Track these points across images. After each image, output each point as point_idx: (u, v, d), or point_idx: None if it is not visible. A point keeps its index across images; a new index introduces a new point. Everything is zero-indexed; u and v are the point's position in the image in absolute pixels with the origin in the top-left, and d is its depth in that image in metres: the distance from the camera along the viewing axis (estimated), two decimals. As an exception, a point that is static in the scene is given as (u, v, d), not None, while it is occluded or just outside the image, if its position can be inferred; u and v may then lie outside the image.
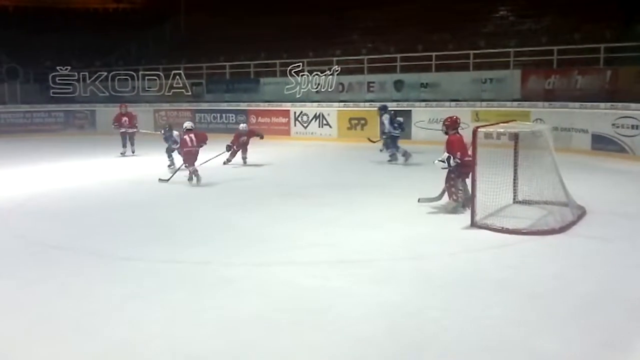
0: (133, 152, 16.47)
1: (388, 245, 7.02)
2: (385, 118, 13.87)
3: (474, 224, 7.64)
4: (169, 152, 13.54)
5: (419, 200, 8.81)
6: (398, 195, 9.82)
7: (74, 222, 8.49)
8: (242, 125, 15.03)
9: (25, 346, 4.42)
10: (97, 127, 23.23)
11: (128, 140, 16.58)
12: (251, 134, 14.61)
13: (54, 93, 22.93)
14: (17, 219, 8.75)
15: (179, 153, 12.41)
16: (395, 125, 13.79)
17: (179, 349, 4.33)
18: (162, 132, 13.89)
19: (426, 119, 17.58)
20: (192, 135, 11.73)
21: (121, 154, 16.27)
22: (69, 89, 23.06)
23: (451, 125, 8.72)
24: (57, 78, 22.88)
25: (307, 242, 7.12)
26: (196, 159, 11.62)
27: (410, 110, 17.92)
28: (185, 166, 11.69)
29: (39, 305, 5.24)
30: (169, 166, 13.24)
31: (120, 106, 16.98)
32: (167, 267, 6.28)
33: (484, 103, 16.98)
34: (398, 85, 18.83)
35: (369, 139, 15.51)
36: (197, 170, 11.47)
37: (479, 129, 7.86)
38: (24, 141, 20.11)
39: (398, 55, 19.10)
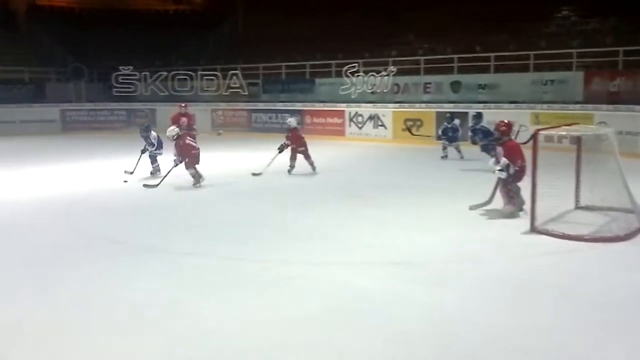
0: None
1: (444, 247, 6.94)
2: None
3: (533, 229, 7.46)
4: (153, 157, 12.69)
5: (470, 208, 8.66)
6: (453, 198, 9.69)
7: (133, 218, 8.72)
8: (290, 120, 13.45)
9: (87, 338, 4.55)
10: (157, 125, 23.78)
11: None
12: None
13: (116, 92, 23.67)
14: (78, 214, 9.05)
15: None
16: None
17: (235, 345, 4.39)
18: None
19: (483, 121, 17.22)
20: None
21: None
22: (131, 88, 23.75)
23: (508, 130, 8.44)
24: (120, 77, 23.61)
25: (362, 243, 7.10)
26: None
27: (467, 112, 17.64)
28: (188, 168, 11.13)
29: (100, 298, 5.40)
30: (152, 173, 12.51)
31: (180, 106, 17.25)
32: (225, 264, 6.38)
33: (544, 105, 16.56)
34: (455, 86, 18.59)
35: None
36: (197, 171, 11.14)
37: (540, 132, 7.68)
38: (87, 138, 20.84)
39: (455, 56, 18.85)
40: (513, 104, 17.05)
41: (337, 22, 24.40)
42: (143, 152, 12.57)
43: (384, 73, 19.35)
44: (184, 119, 16.36)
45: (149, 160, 12.57)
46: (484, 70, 18.25)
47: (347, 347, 4.36)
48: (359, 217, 8.50)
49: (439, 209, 8.98)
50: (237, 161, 15.17)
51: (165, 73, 23.63)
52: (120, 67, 23.60)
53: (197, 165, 11.23)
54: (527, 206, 7.80)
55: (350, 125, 20.00)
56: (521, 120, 15.98)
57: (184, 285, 5.70)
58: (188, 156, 11.09)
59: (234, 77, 22.48)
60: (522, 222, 7.71)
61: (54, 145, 15.57)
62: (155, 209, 9.33)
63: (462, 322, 4.79)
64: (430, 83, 19.13)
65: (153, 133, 12.64)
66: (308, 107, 21.11)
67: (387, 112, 19.25)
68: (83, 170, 13.58)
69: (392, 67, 19.27)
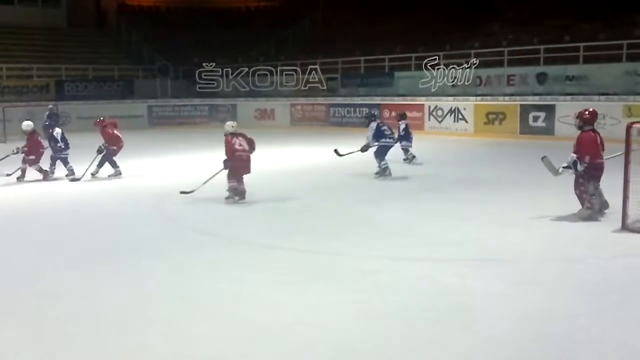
0: None
1: (531, 245, 6.69)
2: (371, 128, 11.67)
3: (625, 227, 7.07)
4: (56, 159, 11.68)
5: (542, 158, 7.98)
6: (538, 194, 9.35)
7: (220, 210, 8.92)
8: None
9: (170, 325, 4.67)
10: (238, 121, 24.23)
11: None
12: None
13: (199, 88, 24.35)
14: (170, 205, 9.38)
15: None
16: (387, 134, 11.66)
17: (318, 337, 4.40)
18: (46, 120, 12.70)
19: (571, 114, 16.48)
20: (240, 139, 9.34)
21: None
22: (214, 84, 24.35)
23: (590, 119, 7.68)
24: (203, 74, 24.26)
25: (445, 239, 6.97)
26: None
27: (554, 105, 17.00)
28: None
29: (187, 286, 5.55)
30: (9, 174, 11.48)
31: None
32: (308, 257, 6.42)
33: (638, 97, 15.69)
34: (541, 78, 17.93)
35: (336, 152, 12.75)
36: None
37: (633, 125, 7.27)
38: (172, 132, 21.52)
39: (542, 47, 18.17)
40: (603, 96, 16.27)
41: (417, 14, 24.04)
42: (56, 158, 11.73)
43: (465, 65, 18.92)
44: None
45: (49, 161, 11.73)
46: (573, 61, 17.50)
47: (431, 344, 4.28)
48: (439, 212, 8.35)
49: (523, 205, 8.68)
50: (315, 156, 15.24)
51: (246, 69, 24.09)
52: (204, 64, 24.25)
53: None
54: (615, 206, 7.36)
55: (429, 119, 19.70)
56: (613, 113, 15.26)
57: (264, 277, 5.77)
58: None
59: (313, 72, 22.61)
60: (614, 220, 7.33)
61: (142, 140, 16.20)
62: (235, 202, 9.49)
63: (553, 323, 4.60)
64: (514, 75, 18.54)
65: (57, 129, 11.94)
66: (387, 101, 20.95)
67: (468, 105, 18.82)
68: (170, 162, 14.03)
69: (474, 59, 18.81)
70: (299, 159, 14.68)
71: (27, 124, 11.76)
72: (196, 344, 4.33)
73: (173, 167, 13.51)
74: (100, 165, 11.80)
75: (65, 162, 11.85)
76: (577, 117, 7.86)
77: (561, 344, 4.26)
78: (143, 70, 26.42)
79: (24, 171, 11.50)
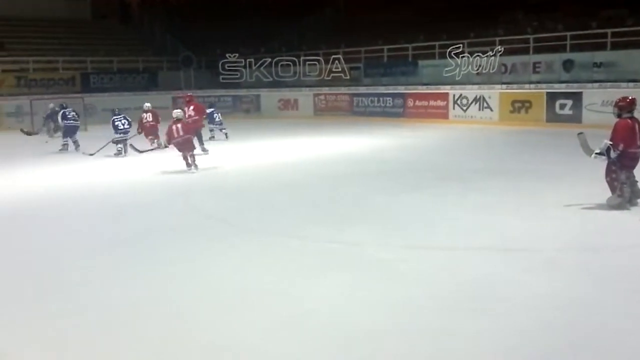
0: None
1: (556, 234, 6.59)
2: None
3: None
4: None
5: (579, 134, 7.77)
6: (565, 182, 9.20)
7: (242, 200, 8.97)
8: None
9: (194, 313, 4.70)
10: (261, 111, 24.43)
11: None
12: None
13: (223, 79, 24.42)
14: (194, 195, 9.46)
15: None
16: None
17: (340, 326, 4.39)
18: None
19: (599, 102, 16.26)
20: (178, 126, 11.37)
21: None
22: (237, 75, 24.41)
23: (626, 106, 7.43)
24: (226, 65, 24.32)
25: (466, 228, 6.90)
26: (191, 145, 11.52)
27: (581, 92, 16.70)
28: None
29: (211, 276, 5.58)
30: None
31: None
32: (326, 246, 6.40)
33: (668, 83, 15.35)
34: (567, 65, 17.61)
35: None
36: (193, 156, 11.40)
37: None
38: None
39: (568, 33, 17.83)
40: (632, 83, 15.91)
41: (441, 2, 23.78)
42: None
43: (490, 53, 18.65)
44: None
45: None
46: (600, 47, 17.14)
47: (450, 332, 4.24)
48: (462, 201, 8.26)
49: (549, 193, 8.54)
50: (337, 145, 15.21)
51: (269, 59, 24.08)
52: (227, 55, 24.30)
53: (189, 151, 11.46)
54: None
55: (454, 108, 19.50)
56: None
57: (285, 266, 5.77)
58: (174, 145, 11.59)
59: (336, 61, 22.51)
60: (643, 208, 7.19)
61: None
62: (258, 192, 9.55)
63: (581, 313, 4.52)
64: (540, 62, 18.23)
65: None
66: (410, 90, 20.79)
67: (493, 93, 18.59)
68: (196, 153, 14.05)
69: (499, 46, 18.54)
70: (322, 148, 14.66)
71: (177, 112, 12.05)
72: (218, 332, 4.35)
73: (200, 156, 13.53)
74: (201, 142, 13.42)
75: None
76: (615, 105, 7.64)
77: (584, 333, 4.19)
78: (167, 61, 26.58)
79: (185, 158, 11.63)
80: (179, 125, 11.53)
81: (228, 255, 6.18)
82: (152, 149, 12.82)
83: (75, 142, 14.90)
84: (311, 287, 5.23)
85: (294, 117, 22.78)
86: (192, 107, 13.80)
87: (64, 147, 14.81)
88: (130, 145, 13.42)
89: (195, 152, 11.79)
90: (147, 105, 15.22)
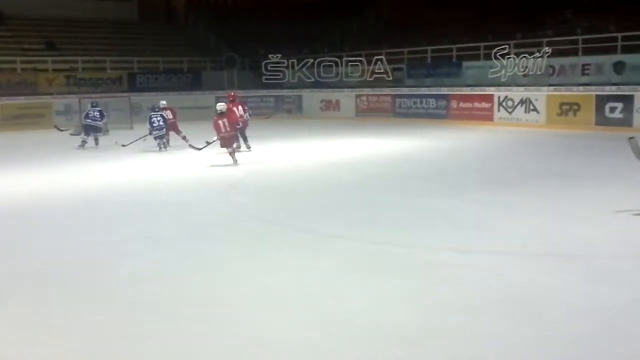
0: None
1: (603, 241, 6.38)
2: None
3: None
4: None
5: (630, 139, 7.60)
6: (614, 187, 8.93)
7: (283, 200, 8.98)
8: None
9: (248, 314, 4.70)
10: (303, 112, 24.48)
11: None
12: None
13: (265, 79, 24.56)
14: (236, 193, 9.52)
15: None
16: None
17: (382, 327, 4.34)
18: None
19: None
20: (224, 120, 12.00)
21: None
22: (279, 75, 24.51)
23: None
24: (269, 65, 24.45)
25: (512, 232, 6.74)
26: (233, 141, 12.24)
27: (632, 95, 16.21)
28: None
29: (260, 275, 5.58)
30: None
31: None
32: (372, 248, 6.35)
33: None
34: (618, 67, 17.10)
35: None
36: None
37: None
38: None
39: (619, 34, 17.33)
40: (687, 86, 15.38)
41: (486, 1, 23.41)
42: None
43: (537, 54, 18.26)
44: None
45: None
46: (653, 49, 16.61)
47: (497, 338, 4.14)
48: (507, 205, 8.08)
49: (597, 198, 8.30)
50: (379, 147, 15.12)
51: (311, 60, 24.11)
52: (269, 56, 24.44)
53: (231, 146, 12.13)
54: None
55: (499, 110, 19.15)
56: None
57: (328, 267, 5.74)
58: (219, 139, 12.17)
59: (379, 62, 22.38)
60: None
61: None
62: (302, 192, 9.56)
63: (622, 320, 4.37)
64: (589, 64, 17.76)
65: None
66: (454, 91, 20.52)
67: (540, 95, 18.19)
68: (242, 153, 14.17)
69: (546, 47, 18.14)
70: (364, 149, 14.60)
71: (221, 105, 12.67)
72: (263, 330, 4.35)
73: (239, 156, 13.66)
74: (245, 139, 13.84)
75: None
76: None
77: (633, 343, 4.04)
78: (211, 62, 26.88)
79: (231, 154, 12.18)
80: (225, 121, 11.92)
81: (270, 255, 6.18)
82: (210, 143, 12.85)
83: (96, 140, 15.70)
84: (356, 288, 5.18)
85: (335, 118, 22.76)
86: (240, 107, 14.26)
87: (82, 144, 15.48)
88: (190, 145, 13.60)
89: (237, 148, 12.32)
90: (163, 103, 15.63)
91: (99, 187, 10.33)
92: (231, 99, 14.47)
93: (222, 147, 12.22)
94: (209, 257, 6.16)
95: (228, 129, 11.99)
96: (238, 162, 11.88)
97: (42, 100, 21.75)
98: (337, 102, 23.87)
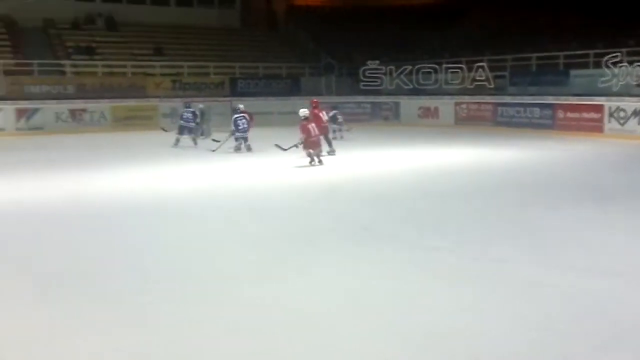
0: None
1: None
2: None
3: None
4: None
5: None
6: None
7: (385, 208, 8.85)
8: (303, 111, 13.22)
9: (336, 319, 4.64)
10: (400, 119, 24.24)
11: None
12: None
13: (363, 86, 24.53)
14: (339, 200, 9.51)
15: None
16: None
17: (477, 343, 4.15)
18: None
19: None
20: (313, 125, 12.56)
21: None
22: (377, 82, 24.41)
23: None
24: (367, 72, 24.41)
25: (622, 254, 6.25)
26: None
27: None
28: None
29: (355, 282, 5.52)
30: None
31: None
32: (471, 261, 6.10)
33: None
34: None
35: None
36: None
37: None
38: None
39: None
40: None
41: (596, 6, 22.26)
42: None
43: (653, 62, 17.14)
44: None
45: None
46: None
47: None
48: (617, 224, 7.50)
49: None
50: (479, 156, 14.67)
51: (410, 67, 23.85)
52: (368, 62, 24.39)
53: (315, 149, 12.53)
54: None
55: (609, 121, 18.08)
56: None
57: (425, 278, 5.59)
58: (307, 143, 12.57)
59: (480, 69, 21.79)
60: None
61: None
62: (397, 199, 9.41)
63: None
64: None
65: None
66: (560, 100, 19.58)
67: (656, 106, 17.03)
68: (340, 160, 14.18)
69: (664, 55, 16.99)
70: (463, 158, 14.22)
71: (304, 111, 13.13)
72: (360, 340, 4.27)
73: (340, 162, 13.65)
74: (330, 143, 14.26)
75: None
76: None
77: None
78: (309, 68, 27.20)
79: (311, 156, 12.67)
80: (314, 125, 12.24)
81: (370, 263, 6.08)
82: (297, 146, 13.08)
83: (193, 140, 16.70)
84: (452, 301, 4.98)
85: (433, 126, 22.35)
86: (323, 112, 14.60)
87: (176, 143, 16.53)
88: (276, 144, 13.76)
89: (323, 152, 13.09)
90: (241, 106, 16.17)
91: (194, 188, 10.57)
92: (314, 105, 14.69)
93: (308, 149, 12.49)
94: (303, 261, 6.16)
95: (317, 132, 12.45)
96: (322, 162, 12.44)
97: (150, 103, 22.81)
98: (436, 109, 23.44)
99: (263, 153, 14.44)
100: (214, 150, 15.14)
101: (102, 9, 26.48)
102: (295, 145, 12.96)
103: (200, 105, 19.08)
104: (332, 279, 5.64)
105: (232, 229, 7.62)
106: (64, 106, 21.53)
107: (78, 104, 21.78)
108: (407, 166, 13.13)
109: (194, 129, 16.96)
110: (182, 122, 16.97)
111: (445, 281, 5.49)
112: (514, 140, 17.56)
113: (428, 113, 23.58)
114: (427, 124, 22.77)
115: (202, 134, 17.85)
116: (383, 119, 24.47)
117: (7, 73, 21.37)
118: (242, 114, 15.36)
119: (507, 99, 21.28)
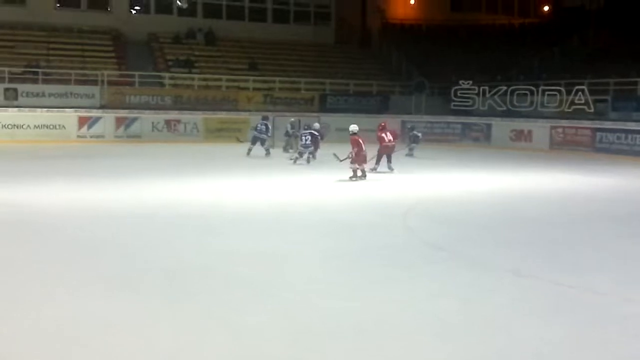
0: None
1: None
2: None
3: None
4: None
5: None
6: None
7: (459, 228, 8.55)
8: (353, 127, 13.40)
9: (399, 334, 4.47)
10: (491, 141, 23.48)
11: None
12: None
13: (454, 106, 24.04)
14: (412, 217, 9.29)
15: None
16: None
17: None
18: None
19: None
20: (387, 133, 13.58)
21: None
22: (469, 102, 23.85)
23: None
24: (459, 91, 23.91)
25: None
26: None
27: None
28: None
29: (417, 298, 5.37)
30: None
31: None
32: (556, 288, 5.75)
33: None
34: None
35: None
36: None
37: None
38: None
39: None
40: None
41: None
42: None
43: None
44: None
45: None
46: None
47: None
48: None
49: None
50: (575, 182, 13.91)
51: (504, 88, 23.13)
52: (460, 82, 23.89)
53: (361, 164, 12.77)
54: None
55: None
56: None
57: (504, 303, 5.30)
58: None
59: (579, 92, 20.80)
60: None
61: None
62: (480, 222, 9.05)
63: None
64: None
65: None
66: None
67: None
68: (422, 179, 13.95)
69: None
70: (557, 184, 13.56)
71: (353, 127, 13.40)
72: (423, 355, 4.11)
73: (419, 182, 13.42)
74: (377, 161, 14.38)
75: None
76: None
77: None
78: (400, 86, 26.99)
79: (354, 171, 12.88)
80: (363, 140, 12.75)
81: (438, 282, 5.87)
82: (347, 157, 13.36)
83: (267, 150, 17.49)
84: (532, 329, 4.69)
85: (526, 150, 21.48)
86: (388, 132, 14.66)
87: (248, 151, 17.46)
88: (334, 154, 14.10)
89: (379, 169, 13.99)
90: (317, 125, 17.08)
91: (266, 200, 10.60)
92: (381, 127, 14.70)
93: (354, 164, 12.70)
94: (376, 275, 6.03)
95: (364, 148, 12.70)
96: (367, 177, 12.81)
97: (241, 116, 23.35)
98: (530, 132, 22.53)
99: (333, 169, 14.15)
100: (292, 159, 15.85)
101: (203, 24, 27.50)
102: (348, 157, 13.18)
103: (292, 119, 19.54)
104: (400, 293, 5.47)
105: (307, 242, 7.55)
106: (161, 116, 22.45)
107: (173, 115, 22.67)
108: (495, 189, 12.62)
109: (265, 139, 17.68)
110: (255, 132, 17.86)
111: (526, 309, 5.17)
112: (614, 168, 16.56)
113: (521, 136, 22.70)
114: (520, 147, 21.92)
115: (291, 148, 18.39)
116: (473, 140, 23.81)
117: (110, 83, 22.56)
118: (309, 131, 16.16)
119: (609, 125, 20.13)
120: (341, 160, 13.62)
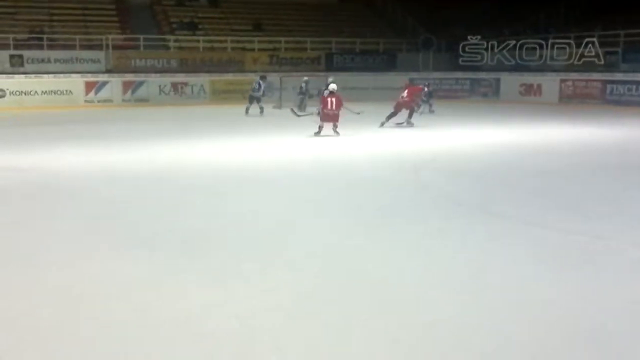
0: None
1: None
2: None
3: None
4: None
5: None
6: None
7: (477, 182, 8.56)
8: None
9: (418, 291, 4.52)
10: (500, 96, 23.35)
11: None
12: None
13: (462, 61, 23.80)
14: (425, 173, 9.32)
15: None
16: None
17: (569, 322, 3.88)
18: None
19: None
20: (333, 99, 13.00)
21: None
22: (477, 57, 23.60)
23: None
24: (467, 47, 23.65)
25: None
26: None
27: None
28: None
29: (435, 252, 5.39)
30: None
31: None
32: (565, 237, 5.78)
33: None
34: None
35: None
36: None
37: None
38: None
39: None
40: None
41: None
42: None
43: None
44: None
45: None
46: None
47: None
48: None
49: None
50: (586, 135, 13.86)
51: (513, 42, 22.84)
52: (468, 37, 23.60)
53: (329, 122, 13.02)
54: None
55: None
56: None
57: (515, 253, 5.31)
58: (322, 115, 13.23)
59: (589, 45, 20.55)
60: None
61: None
62: (496, 175, 9.07)
63: None
64: None
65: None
66: (679, 78, 18.15)
67: None
68: (427, 135, 13.90)
69: None
70: (568, 137, 13.51)
71: (332, 86, 13.81)
72: (438, 308, 4.13)
73: (429, 138, 13.37)
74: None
75: None
76: None
77: None
78: (406, 43, 26.66)
79: (320, 127, 13.18)
80: (334, 99, 13.02)
81: (456, 235, 5.87)
82: (311, 114, 14.08)
83: (260, 109, 17.71)
84: (542, 278, 4.70)
85: (535, 103, 21.35)
86: (406, 91, 15.41)
87: (246, 111, 17.87)
88: (291, 109, 14.90)
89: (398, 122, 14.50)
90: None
91: (287, 159, 10.66)
92: (404, 86, 15.73)
93: (322, 121, 13.08)
94: (394, 231, 6.04)
95: (334, 108, 12.93)
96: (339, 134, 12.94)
97: (247, 77, 23.16)
98: (539, 86, 22.37)
99: (347, 129, 14.21)
100: (298, 115, 15.52)
101: (205, -15, 27.12)
102: (310, 114, 13.97)
103: (305, 78, 19.76)
104: (421, 250, 5.50)
105: (320, 200, 7.58)
106: (167, 79, 22.38)
107: (180, 78, 22.57)
108: (506, 143, 12.59)
109: (259, 98, 18.00)
110: (251, 92, 18.35)
111: (542, 259, 5.16)
112: (624, 119, 16.46)
113: (530, 90, 22.55)
114: (529, 102, 21.81)
115: (299, 107, 18.27)
116: (482, 95, 23.66)
117: (115, 47, 22.40)
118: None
119: (619, 76, 19.97)
120: (299, 116, 14.85)
